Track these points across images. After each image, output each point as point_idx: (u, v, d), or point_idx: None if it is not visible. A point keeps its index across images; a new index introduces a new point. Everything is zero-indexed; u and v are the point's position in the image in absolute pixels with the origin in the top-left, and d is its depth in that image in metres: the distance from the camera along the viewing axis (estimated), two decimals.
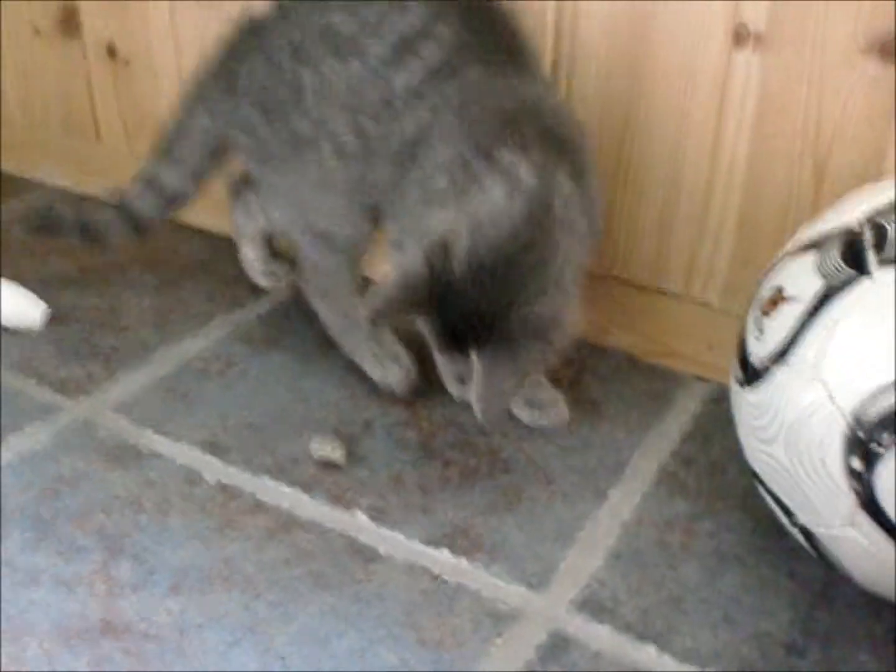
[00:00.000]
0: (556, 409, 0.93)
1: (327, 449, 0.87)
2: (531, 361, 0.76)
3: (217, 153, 1.02)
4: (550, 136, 0.80)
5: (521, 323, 0.74)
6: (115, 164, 1.37)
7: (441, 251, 0.75)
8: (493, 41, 0.85)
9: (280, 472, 0.86)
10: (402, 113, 0.84)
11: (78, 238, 1.07)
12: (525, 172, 0.76)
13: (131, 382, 0.98)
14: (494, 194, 0.76)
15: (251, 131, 0.93)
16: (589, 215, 0.80)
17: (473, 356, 0.76)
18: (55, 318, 1.08)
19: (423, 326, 0.80)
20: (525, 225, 0.75)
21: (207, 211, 1.30)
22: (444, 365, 0.88)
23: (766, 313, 0.71)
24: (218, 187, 1.11)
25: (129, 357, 1.02)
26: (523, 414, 0.93)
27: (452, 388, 0.90)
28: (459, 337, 0.76)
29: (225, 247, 1.27)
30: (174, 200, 1.06)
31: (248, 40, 0.94)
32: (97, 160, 1.39)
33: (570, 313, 0.77)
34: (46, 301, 1.07)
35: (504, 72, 0.84)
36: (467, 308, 0.75)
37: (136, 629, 0.71)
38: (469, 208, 0.76)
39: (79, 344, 1.04)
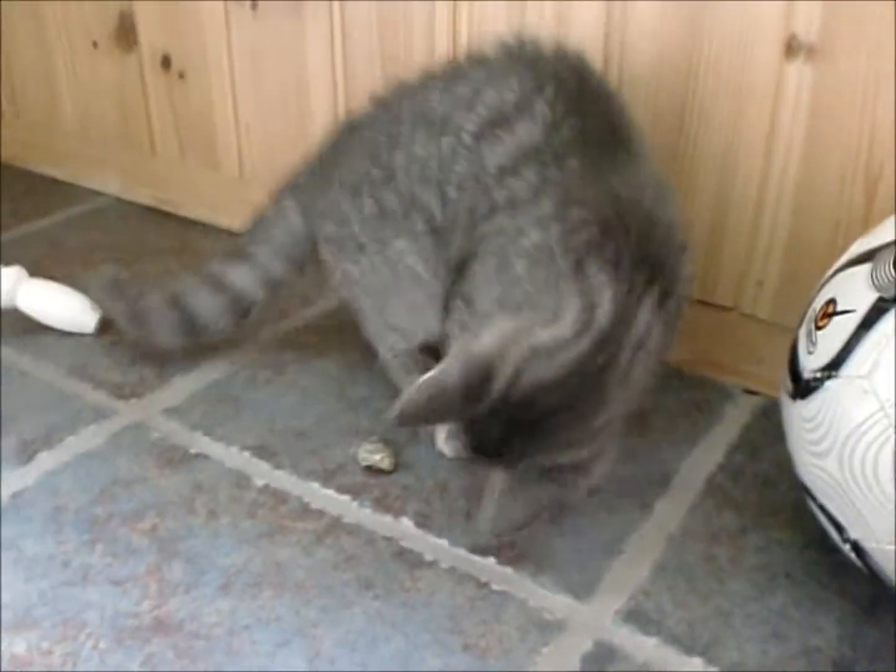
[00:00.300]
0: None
1: (375, 457, 0.88)
2: (553, 498, 0.73)
3: (297, 261, 0.99)
4: (646, 253, 0.71)
5: (551, 463, 0.71)
6: (167, 176, 1.40)
7: (483, 371, 0.69)
8: (596, 122, 0.80)
9: (328, 478, 0.87)
10: (491, 188, 0.80)
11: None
12: (607, 302, 0.69)
13: (182, 387, 1.00)
14: (565, 322, 0.69)
15: (341, 219, 0.91)
16: (664, 340, 0.73)
17: (498, 471, 0.73)
18: (109, 324, 1.10)
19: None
20: (581, 373, 0.68)
21: None
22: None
23: (818, 326, 0.70)
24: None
25: (180, 363, 1.04)
26: None
27: (443, 445, 0.90)
28: (486, 452, 0.72)
29: None
30: (240, 304, 1.00)
31: (346, 138, 0.93)
32: (151, 172, 1.42)
33: (604, 461, 0.73)
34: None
35: (606, 160, 0.78)
36: (496, 435, 0.70)
37: (187, 629, 0.72)
38: (533, 329, 0.70)
39: (131, 350, 1.06)
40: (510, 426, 0.69)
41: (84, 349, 1.07)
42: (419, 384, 0.69)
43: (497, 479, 0.72)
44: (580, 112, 0.80)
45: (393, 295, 0.90)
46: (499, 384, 0.68)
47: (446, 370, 0.69)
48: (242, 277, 1.00)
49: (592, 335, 0.68)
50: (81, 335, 1.09)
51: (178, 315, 0.99)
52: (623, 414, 0.73)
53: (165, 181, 1.41)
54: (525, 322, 0.71)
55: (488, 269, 0.80)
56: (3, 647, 0.70)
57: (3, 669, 0.68)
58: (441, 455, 0.90)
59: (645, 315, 0.70)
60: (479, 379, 0.69)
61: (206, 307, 1.00)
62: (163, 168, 1.40)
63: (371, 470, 0.88)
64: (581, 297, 0.70)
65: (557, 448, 0.70)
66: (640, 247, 0.71)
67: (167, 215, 1.41)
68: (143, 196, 1.44)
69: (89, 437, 0.93)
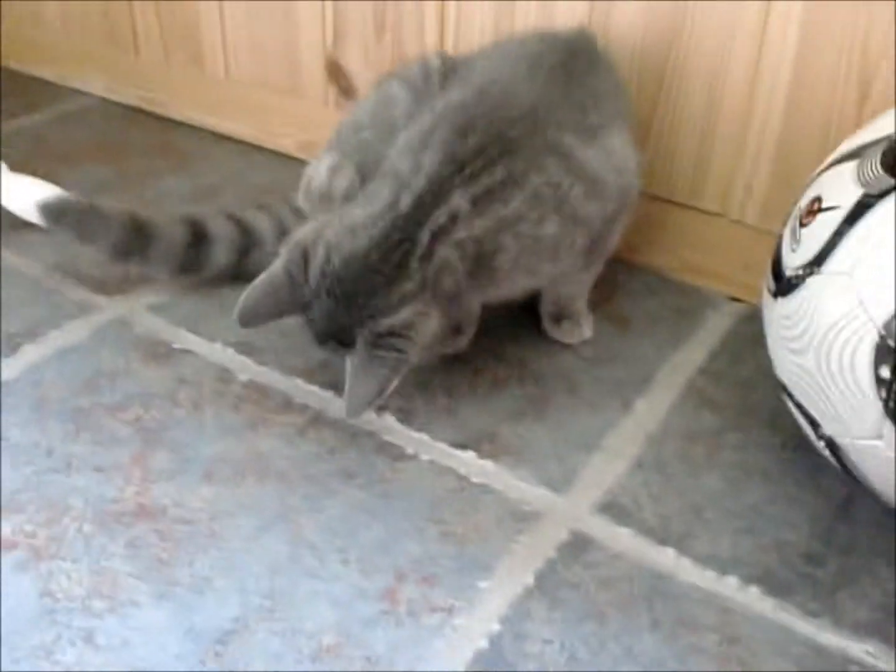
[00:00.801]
0: (578, 328, 0.94)
1: None
2: (391, 369, 0.76)
3: None
4: (484, 145, 0.79)
5: (377, 333, 0.76)
6: (152, 76, 1.37)
7: (302, 255, 0.77)
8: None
9: (311, 375, 0.88)
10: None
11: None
12: (415, 188, 0.77)
13: (167, 285, 1.00)
14: (376, 204, 0.78)
15: None
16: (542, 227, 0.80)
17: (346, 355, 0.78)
18: None
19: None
20: (380, 246, 0.76)
21: (246, 120, 1.31)
22: None
23: (802, 224, 0.70)
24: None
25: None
26: (549, 328, 0.93)
27: (552, 330, 0.95)
28: (325, 340, 0.78)
29: (261, 158, 1.28)
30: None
31: None
32: (135, 71, 1.39)
33: (425, 326, 0.78)
34: None
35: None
36: (324, 315, 0.77)
37: (171, 514, 0.73)
38: (351, 211, 0.79)
39: None
40: (333, 305, 0.76)
41: (68, 245, 1.05)
42: (254, 283, 0.78)
43: (347, 365, 0.77)
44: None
45: None
46: (314, 264, 0.77)
47: (275, 265, 0.79)
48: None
49: (392, 215, 0.76)
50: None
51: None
52: (439, 288, 0.78)
53: (150, 81, 1.38)
54: (347, 209, 0.80)
55: None
56: None
57: None
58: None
59: (456, 204, 0.76)
60: (299, 264, 0.77)
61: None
62: (147, 67, 1.37)
63: None
64: (397, 182, 0.78)
65: (372, 315, 0.76)
66: (480, 140, 0.79)
67: (152, 115, 1.39)
68: (128, 96, 1.41)
69: (73, 332, 0.93)
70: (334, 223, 0.78)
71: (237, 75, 1.29)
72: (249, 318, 0.80)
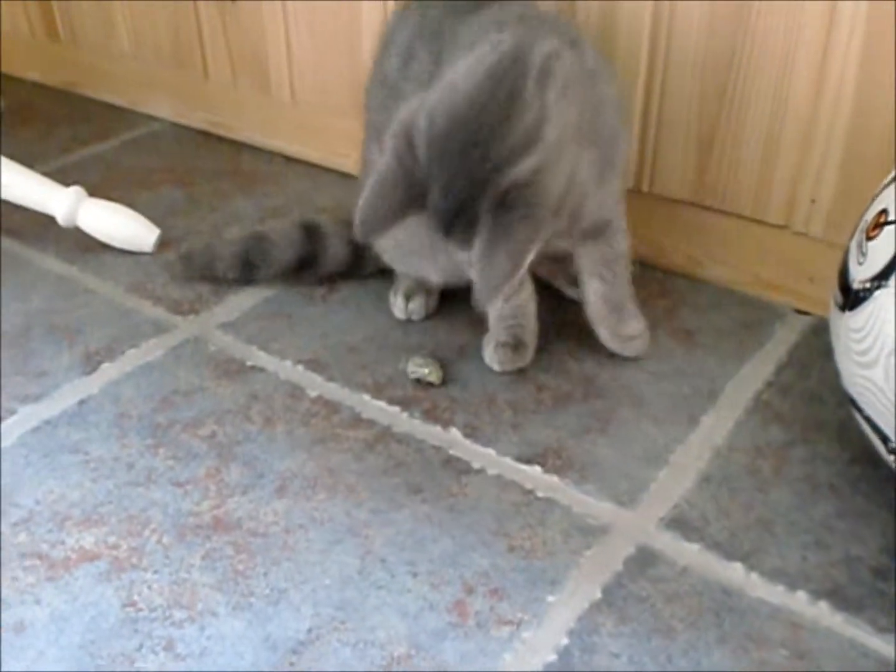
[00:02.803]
0: (639, 340, 0.94)
1: (424, 370, 0.90)
2: (524, 232, 0.69)
3: None
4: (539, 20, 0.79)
5: (504, 191, 0.69)
6: (220, 100, 1.42)
7: (404, 139, 0.70)
8: None
9: (378, 390, 0.90)
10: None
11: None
12: (505, 42, 0.71)
13: (238, 304, 1.03)
14: (470, 60, 0.71)
15: None
16: (592, 85, 0.76)
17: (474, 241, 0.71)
18: (166, 243, 1.13)
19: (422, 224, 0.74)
20: (486, 81, 0.69)
21: (312, 143, 1.34)
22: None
23: (869, 237, 0.70)
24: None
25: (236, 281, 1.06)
26: (608, 342, 0.94)
27: (399, 311, 0.99)
28: (451, 223, 0.71)
29: (327, 179, 1.31)
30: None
31: None
32: (204, 95, 1.43)
33: (560, 170, 0.71)
34: (158, 227, 1.13)
35: None
36: (443, 194, 0.70)
37: (245, 527, 0.75)
38: (445, 76, 0.72)
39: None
40: (449, 176, 0.69)
41: (143, 267, 1.10)
42: (365, 193, 0.71)
43: (476, 247, 0.71)
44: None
45: None
46: (420, 139, 0.70)
47: (381, 161, 0.72)
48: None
49: (495, 55, 0.70)
50: (140, 253, 1.12)
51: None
52: (573, 125, 0.72)
53: (218, 105, 1.42)
54: (441, 80, 0.73)
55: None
56: (72, 541, 0.74)
57: (73, 560, 0.73)
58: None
59: (543, 48, 0.71)
60: (405, 146, 0.70)
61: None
62: (215, 92, 1.42)
63: (420, 383, 0.90)
64: (488, 43, 0.72)
65: (496, 167, 0.69)
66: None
67: (220, 139, 1.43)
68: (196, 120, 1.46)
69: (149, 350, 0.96)
70: (433, 89, 0.72)
71: (302, 98, 1.32)
72: (369, 229, 0.73)
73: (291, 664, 0.65)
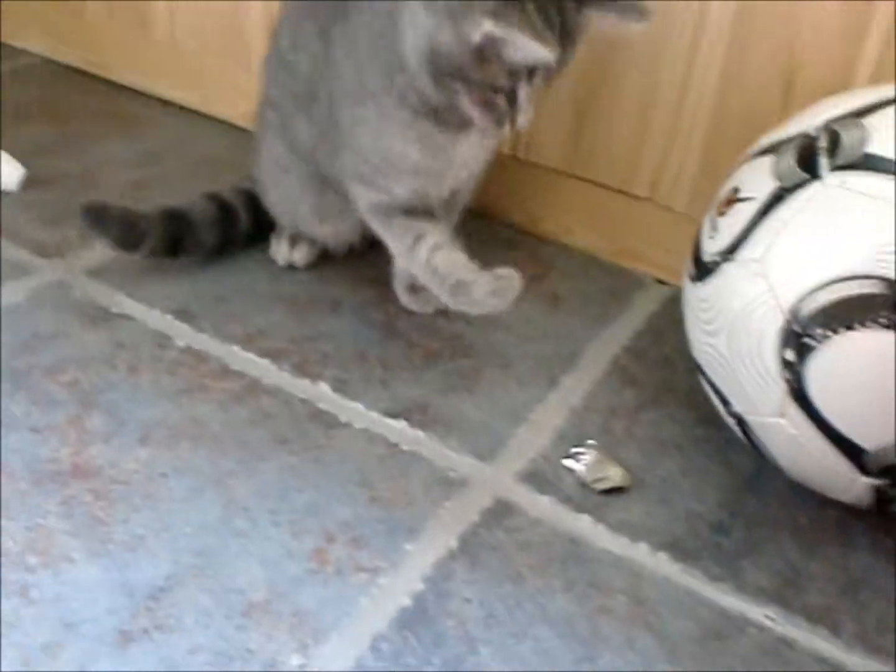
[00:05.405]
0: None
1: (608, 473, 0.81)
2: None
3: None
4: None
5: None
6: (97, 38, 1.36)
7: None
8: None
9: (248, 342, 0.90)
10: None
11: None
12: None
13: (105, 249, 1.00)
14: None
15: None
16: None
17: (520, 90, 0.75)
18: (33, 182, 1.09)
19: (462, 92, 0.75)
20: None
21: (191, 87, 1.31)
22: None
23: (721, 213, 0.74)
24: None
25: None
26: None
27: (404, 297, 0.95)
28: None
29: (205, 125, 1.28)
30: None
31: None
32: (80, 32, 1.37)
33: None
34: (25, 165, 1.09)
35: None
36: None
37: (106, 474, 0.75)
38: None
39: (55, 209, 1.06)
40: None
41: (7, 206, 1.05)
42: (415, 62, 0.75)
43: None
44: None
45: None
46: None
47: (422, 33, 0.73)
48: None
49: None
50: (4, 192, 1.08)
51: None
52: None
53: (95, 43, 1.37)
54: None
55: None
56: None
57: None
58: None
59: None
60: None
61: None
62: (92, 29, 1.36)
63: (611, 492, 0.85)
64: None
65: None
66: None
67: (96, 78, 1.38)
68: (72, 57, 1.40)
69: (9, 294, 0.93)
70: None
71: (182, 40, 1.28)
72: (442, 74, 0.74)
73: (149, 609, 0.65)
